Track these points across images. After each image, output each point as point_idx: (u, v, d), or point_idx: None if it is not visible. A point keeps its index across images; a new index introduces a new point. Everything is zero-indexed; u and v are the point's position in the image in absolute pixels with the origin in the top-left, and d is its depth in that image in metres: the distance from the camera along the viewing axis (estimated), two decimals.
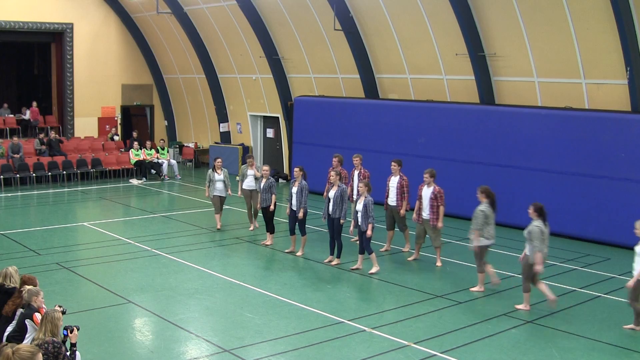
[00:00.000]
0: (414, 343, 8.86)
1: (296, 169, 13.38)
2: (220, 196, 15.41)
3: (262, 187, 13.84)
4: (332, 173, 12.65)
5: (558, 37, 15.38)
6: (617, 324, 9.80)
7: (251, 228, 15.39)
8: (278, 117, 23.49)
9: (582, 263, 13.07)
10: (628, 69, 14.19)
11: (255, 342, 8.87)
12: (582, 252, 13.89)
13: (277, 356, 8.46)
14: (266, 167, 14.03)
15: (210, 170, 15.57)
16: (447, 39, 17.42)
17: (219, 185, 15.33)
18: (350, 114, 19.55)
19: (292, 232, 13.37)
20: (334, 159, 14.15)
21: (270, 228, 14.00)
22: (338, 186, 12.46)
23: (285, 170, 23.09)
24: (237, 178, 15.75)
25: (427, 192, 12.43)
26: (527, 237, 10.10)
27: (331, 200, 12.46)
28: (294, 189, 13.09)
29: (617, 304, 10.70)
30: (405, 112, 18.13)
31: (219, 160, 15.63)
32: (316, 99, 20.90)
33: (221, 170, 15.40)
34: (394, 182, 13.18)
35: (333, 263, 12.62)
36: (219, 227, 15.47)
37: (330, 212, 12.48)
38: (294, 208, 13.09)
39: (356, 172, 13.98)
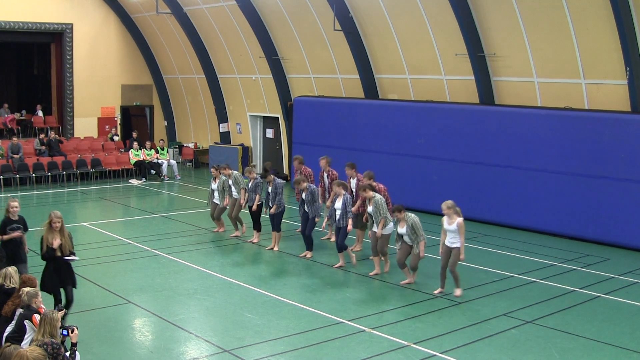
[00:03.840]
0: (414, 343, 8.86)
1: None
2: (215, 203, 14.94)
3: (248, 187, 14.11)
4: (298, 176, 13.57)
5: (558, 37, 15.38)
6: (617, 324, 9.80)
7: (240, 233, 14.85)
8: (278, 118, 23.48)
9: (582, 263, 13.07)
10: (628, 69, 14.19)
11: (255, 343, 8.87)
12: (582, 252, 13.89)
13: (277, 356, 8.46)
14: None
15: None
16: (446, 39, 17.42)
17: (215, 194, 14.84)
18: (350, 114, 19.54)
19: (273, 229, 13.77)
20: (295, 162, 14.81)
21: (257, 227, 14.32)
22: (307, 187, 13.04)
23: (285, 170, 23.08)
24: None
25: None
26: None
27: (305, 202, 13.18)
28: (269, 189, 13.66)
29: (617, 304, 10.70)
30: (405, 113, 18.12)
31: (213, 169, 14.98)
32: (316, 99, 20.90)
33: (219, 178, 14.71)
34: (352, 184, 13.67)
35: (308, 256, 13.09)
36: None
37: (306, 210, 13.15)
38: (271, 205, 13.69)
39: (325, 174, 14.36)
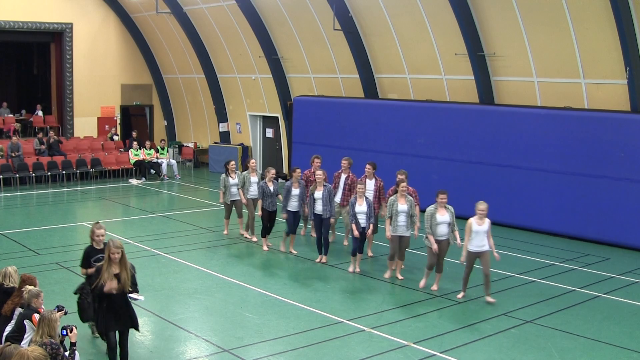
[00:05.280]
0: (414, 343, 8.86)
1: (319, 174, 13.11)
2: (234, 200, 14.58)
3: (272, 191, 13.52)
4: (319, 172, 12.87)
5: (558, 37, 15.38)
6: (617, 324, 9.80)
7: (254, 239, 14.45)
8: (277, 117, 23.49)
9: (582, 263, 13.07)
10: (627, 69, 14.19)
11: (254, 342, 8.87)
12: (582, 252, 13.89)
13: (277, 356, 8.46)
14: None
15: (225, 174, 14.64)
16: (446, 39, 17.42)
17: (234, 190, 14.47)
18: (349, 113, 19.54)
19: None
20: (317, 160, 13.92)
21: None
22: (324, 186, 12.70)
23: (285, 170, 23.07)
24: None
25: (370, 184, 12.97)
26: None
27: (316, 201, 12.65)
28: (296, 191, 13.10)
29: (616, 304, 10.70)
30: (405, 112, 18.13)
31: (233, 163, 14.75)
32: (316, 98, 20.90)
33: (235, 173, 14.53)
34: (370, 185, 12.99)
35: (323, 260, 12.75)
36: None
37: (320, 212, 12.63)
38: (292, 210, 13.16)
39: (343, 176, 13.71)
